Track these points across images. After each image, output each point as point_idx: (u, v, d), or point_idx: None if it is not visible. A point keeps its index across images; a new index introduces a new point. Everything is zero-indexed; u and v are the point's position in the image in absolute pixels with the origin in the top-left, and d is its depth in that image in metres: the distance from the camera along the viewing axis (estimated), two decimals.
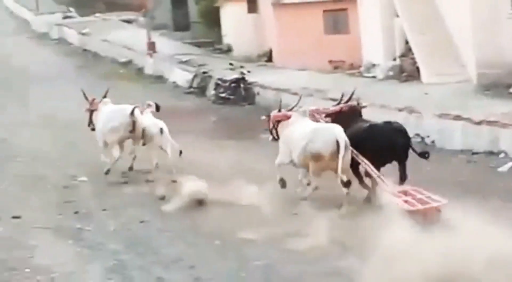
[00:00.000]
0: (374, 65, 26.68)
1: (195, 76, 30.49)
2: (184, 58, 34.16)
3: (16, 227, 12.30)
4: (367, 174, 12.07)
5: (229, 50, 36.37)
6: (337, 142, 11.55)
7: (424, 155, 12.27)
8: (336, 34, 32.07)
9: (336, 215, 11.27)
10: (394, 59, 25.64)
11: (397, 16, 25.37)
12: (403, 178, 12.03)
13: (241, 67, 29.39)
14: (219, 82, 28.21)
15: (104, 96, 16.08)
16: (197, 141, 18.55)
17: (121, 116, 15.04)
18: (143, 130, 15.13)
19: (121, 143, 15.38)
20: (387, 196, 11.19)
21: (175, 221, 12.41)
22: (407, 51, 25.00)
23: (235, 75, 27.98)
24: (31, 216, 12.84)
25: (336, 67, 30.24)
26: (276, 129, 13.12)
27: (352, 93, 13.61)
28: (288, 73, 28.71)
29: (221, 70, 29.99)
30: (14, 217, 12.78)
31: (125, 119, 14.95)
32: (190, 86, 30.37)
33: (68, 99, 22.70)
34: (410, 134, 12.71)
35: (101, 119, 15.41)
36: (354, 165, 12.12)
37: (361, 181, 12.38)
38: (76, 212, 13.17)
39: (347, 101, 13.42)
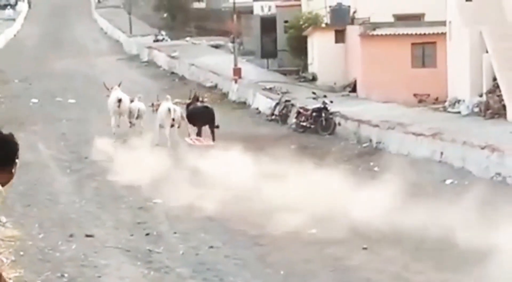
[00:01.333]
0: (459, 100, 26.12)
1: (277, 103, 30.57)
2: (269, 85, 34.33)
3: (88, 246, 12.54)
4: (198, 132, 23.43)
5: (313, 79, 36.31)
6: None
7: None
8: (423, 68, 31.61)
9: None
10: (480, 96, 25.04)
11: (486, 52, 24.84)
12: (213, 138, 23.15)
13: (324, 96, 29.25)
14: (301, 110, 28.20)
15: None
16: (276, 168, 18.56)
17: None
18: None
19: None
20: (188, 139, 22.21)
21: (243, 249, 12.41)
22: (494, 88, 24.36)
23: (317, 104, 27.91)
24: (104, 235, 13.07)
25: (420, 101, 29.75)
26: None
27: (195, 94, 25.60)
28: (371, 104, 28.47)
29: (304, 98, 29.98)
30: (87, 235, 13.02)
31: None
32: (272, 113, 30.46)
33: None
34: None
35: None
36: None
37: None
38: (148, 234, 13.32)
39: (194, 98, 24.97)
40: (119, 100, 23.60)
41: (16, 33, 57.79)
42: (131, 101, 24.33)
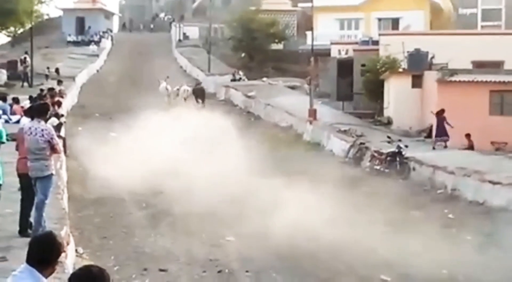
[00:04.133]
0: None
1: (351, 146, 30.56)
2: (343, 128, 34.36)
3: (161, 280, 12.76)
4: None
5: (389, 123, 36.21)
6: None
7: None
8: (501, 115, 31.14)
9: None
10: None
11: None
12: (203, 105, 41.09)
13: (399, 141, 29.13)
14: (375, 154, 28.12)
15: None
16: (346, 211, 18.56)
17: None
18: None
19: None
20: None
21: None
22: None
23: (392, 148, 27.78)
24: (177, 271, 13.28)
25: (497, 149, 29.30)
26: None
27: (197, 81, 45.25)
28: (448, 151, 28.16)
29: (378, 142, 29.89)
30: (161, 270, 13.26)
31: None
32: (346, 156, 30.45)
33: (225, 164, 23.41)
34: None
35: None
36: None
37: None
38: (220, 271, 13.47)
39: (196, 83, 45.42)
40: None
41: (99, 69, 59.56)
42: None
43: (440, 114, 29.21)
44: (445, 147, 28.37)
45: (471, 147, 28.98)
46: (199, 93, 42.56)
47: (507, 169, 22.52)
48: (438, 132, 29.15)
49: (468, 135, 29.06)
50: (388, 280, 13.29)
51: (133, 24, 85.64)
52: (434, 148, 28.28)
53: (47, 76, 48.51)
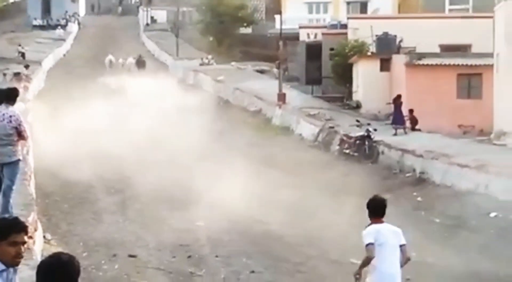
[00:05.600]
0: (505, 133, 25.89)
1: (321, 130, 30.61)
2: (312, 112, 34.40)
3: (131, 266, 12.68)
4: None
5: (357, 106, 36.32)
6: None
7: None
8: (468, 99, 31.40)
9: None
10: None
11: None
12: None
13: (368, 124, 29.23)
14: (344, 138, 28.19)
15: None
16: (316, 196, 18.61)
17: None
18: None
19: None
20: None
21: (287, 275, 12.43)
22: None
23: (361, 132, 27.87)
24: (146, 256, 13.20)
25: (465, 132, 29.52)
26: None
27: (140, 55, 52.01)
28: (416, 134, 28.33)
29: (347, 126, 29.98)
30: (130, 256, 13.17)
31: None
32: (315, 140, 30.51)
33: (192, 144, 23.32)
34: None
35: None
36: None
37: None
38: (190, 256, 13.42)
39: (138, 56, 52.34)
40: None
41: (66, 53, 58.92)
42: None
43: (396, 101, 29.21)
44: (405, 133, 28.45)
45: (415, 122, 29.16)
46: (141, 64, 51.07)
47: (475, 152, 22.71)
48: (396, 119, 29.12)
49: (411, 111, 29.25)
50: (358, 263, 13.28)
51: (100, 8, 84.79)
52: (395, 134, 28.28)
53: (23, 56, 48.44)
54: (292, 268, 13.18)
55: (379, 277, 8.29)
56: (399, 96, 29.21)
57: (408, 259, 8.52)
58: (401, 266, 8.39)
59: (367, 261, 8.31)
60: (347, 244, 14.14)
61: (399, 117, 28.85)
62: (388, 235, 8.38)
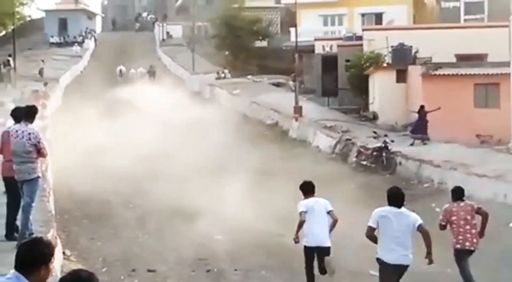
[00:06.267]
0: None
1: (338, 142, 30.59)
2: (329, 124, 34.40)
3: (150, 281, 12.70)
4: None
5: (374, 118, 36.27)
6: None
7: None
8: (486, 108, 31.25)
9: None
10: None
11: None
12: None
13: (385, 136, 29.19)
14: (362, 149, 28.17)
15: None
16: (333, 208, 18.53)
17: None
18: None
19: None
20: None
21: None
22: None
23: (378, 143, 27.83)
24: (166, 271, 13.22)
25: (483, 142, 29.40)
26: None
27: (151, 65, 54.72)
28: (433, 145, 28.24)
29: (364, 137, 29.94)
30: (149, 270, 13.20)
31: None
32: (333, 152, 30.48)
33: (209, 158, 23.32)
34: None
35: None
36: None
37: None
38: (208, 270, 13.43)
39: (150, 67, 54.69)
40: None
41: (83, 70, 59.30)
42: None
43: (421, 111, 29.25)
44: (424, 144, 28.41)
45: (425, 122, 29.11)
46: (151, 74, 53.82)
47: (493, 162, 22.60)
48: (417, 128, 29.15)
49: (422, 107, 29.49)
50: (377, 275, 13.26)
51: (115, 24, 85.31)
52: (412, 144, 28.27)
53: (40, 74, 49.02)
54: None
55: (311, 238, 11.65)
56: (423, 107, 29.24)
57: (336, 221, 11.91)
58: (331, 228, 11.83)
59: (299, 225, 11.66)
60: (364, 255, 14.14)
61: (421, 126, 28.89)
62: (316, 205, 11.77)
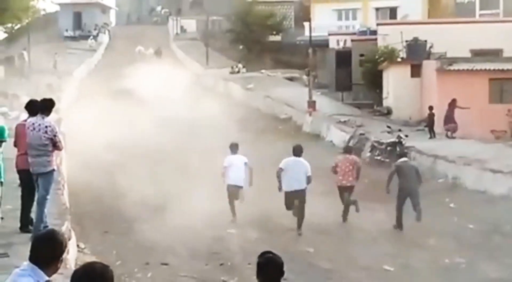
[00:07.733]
0: None
1: (351, 137, 30.52)
2: (343, 119, 34.34)
3: (163, 274, 12.73)
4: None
5: (388, 113, 36.17)
6: None
7: None
8: (501, 104, 31.08)
9: None
10: None
11: None
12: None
13: (399, 131, 29.09)
14: (375, 144, 28.09)
15: None
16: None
17: None
18: None
19: None
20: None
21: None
22: None
23: (392, 138, 27.74)
24: (179, 264, 13.24)
25: (498, 137, 29.25)
26: None
27: (158, 47, 62.15)
28: (447, 140, 28.13)
29: (378, 132, 29.85)
30: (163, 264, 13.22)
31: None
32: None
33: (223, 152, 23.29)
34: None
35: None
36: None
37: None
38: (222, 264, 13.45)
39: (157, 48, 62.07)
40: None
41: (97, 63, 59.49)
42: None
43: (451, 104, 29.13)
44: (448, 137, 28.43)
45: (432, 122, 28.98)
46: (158, 54, 59.79)
47: (508, 157, 22.48)
48: (448, 119, 29.12)
49: (430, 108, 29.39)
50: (391, 270, 13.26)
51: (130, 18, 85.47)
52: (447, 136, 28.42)
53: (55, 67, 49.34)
54: (323, 274, 13.16)
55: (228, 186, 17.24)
56: (454, 100, 29.07)
57: (251, 169, 17.58)
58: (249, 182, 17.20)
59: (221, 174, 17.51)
60: (377, 250, 14.17)
61: (450, 117, 28.80)
62: (234, 159, 17.46)
